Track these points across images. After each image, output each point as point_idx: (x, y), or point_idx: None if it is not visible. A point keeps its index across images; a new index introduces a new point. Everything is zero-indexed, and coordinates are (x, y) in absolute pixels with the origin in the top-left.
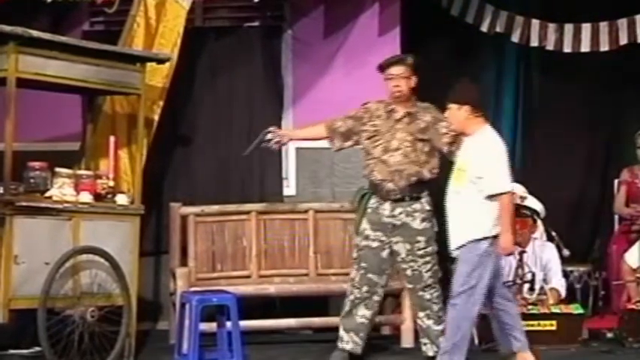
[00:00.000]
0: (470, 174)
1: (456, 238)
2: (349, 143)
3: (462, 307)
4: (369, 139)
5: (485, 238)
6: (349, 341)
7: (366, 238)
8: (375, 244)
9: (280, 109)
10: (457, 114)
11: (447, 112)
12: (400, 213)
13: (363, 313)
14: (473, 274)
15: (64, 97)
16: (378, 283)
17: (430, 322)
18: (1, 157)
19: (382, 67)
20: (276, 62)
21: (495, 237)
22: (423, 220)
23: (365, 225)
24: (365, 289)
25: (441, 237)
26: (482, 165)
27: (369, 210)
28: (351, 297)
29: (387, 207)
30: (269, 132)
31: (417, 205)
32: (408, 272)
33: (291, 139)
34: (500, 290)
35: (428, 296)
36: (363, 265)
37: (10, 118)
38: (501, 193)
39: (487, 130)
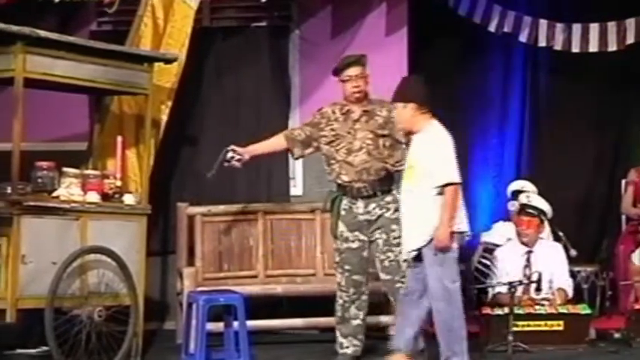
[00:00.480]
0: (420, 170)
1: (415, 238)
2: (309, 150)
3: (445, 310)
4: (329, 143)
5: None
6: (349, 345)
7: (346, 240)
8: (355, 245)
9: (287, 108)
10: (403, 112)
11: (393, 111)
12: (374, 208)
13: (356, 315)
14: (447, 278)
15: (71, 96)
16: (362, 282)
17: None
18: (9, 156)
19: (338, 70)
20: (284, 62)
21: (454, 232)
22: (397, 210)
23: (342, 227)
24: (352, 290)
25: None
26: (431, 159)
27: (342, 212)
28: (340, 301)
29: (360, 205)
30: (229, 151)
31: (389, 198)
32: (386, 263)
33: (252, 155)
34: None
35: None
36: (346, 267)
37: (18, 118)
38: (448, 184)
39: (434, 126)
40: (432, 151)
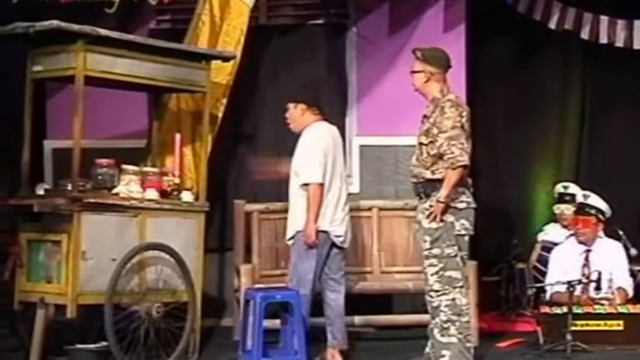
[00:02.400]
0: (292, 169)
1: (288, 229)
2: None
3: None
4: None
5: None
6: (429, 345)
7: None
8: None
9: (344, 107)
10: (293, 112)
11: (439, 117)
12: (418, 212)
13: (429, 317)
14: (300, 266)
15: (130, 94)
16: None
17: (435, 332)
18: (70, 154)
19: None
20: (340, 60)
21: (319, 230)
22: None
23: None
24: (427, 289)
25: (474, 241)
26: (298, 158)
27: None
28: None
29: (418, 206)
30: None
31: (426, 205)
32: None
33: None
34: (326, 282)
35: (436, 303)
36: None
37: (78, 116)
38: (309, 183)
39: (314, 127)
40: (301, 152)
